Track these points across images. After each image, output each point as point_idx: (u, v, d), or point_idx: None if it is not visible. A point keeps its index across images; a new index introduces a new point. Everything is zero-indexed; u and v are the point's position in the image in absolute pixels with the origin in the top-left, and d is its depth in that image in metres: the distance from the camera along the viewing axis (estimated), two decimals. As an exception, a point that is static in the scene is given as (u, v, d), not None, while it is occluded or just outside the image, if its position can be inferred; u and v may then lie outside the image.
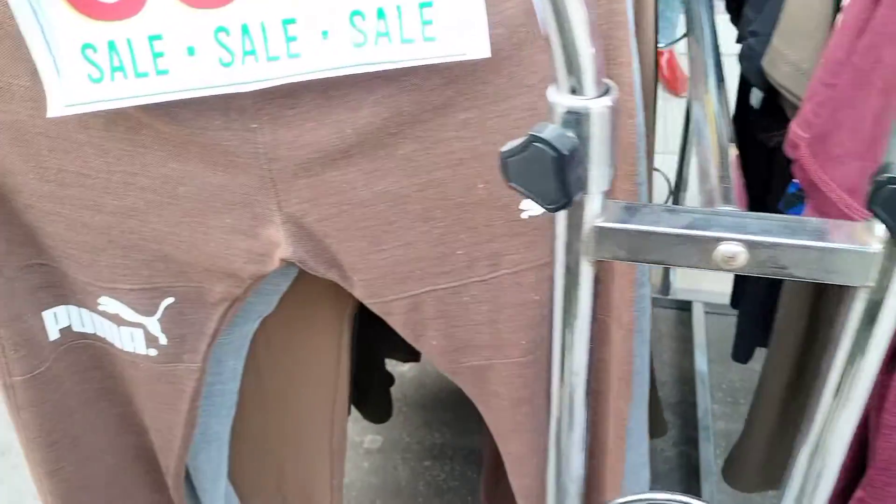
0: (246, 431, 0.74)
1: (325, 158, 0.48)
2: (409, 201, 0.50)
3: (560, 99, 0.31)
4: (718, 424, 1.33)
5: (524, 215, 0.50)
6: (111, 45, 0.44)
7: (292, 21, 0.43)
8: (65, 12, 0.43)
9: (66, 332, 0.59)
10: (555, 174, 0.30)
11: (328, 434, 0.78)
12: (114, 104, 0.45)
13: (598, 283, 0.57)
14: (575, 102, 0.31)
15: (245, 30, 0.43)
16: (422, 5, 0.42)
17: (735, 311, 0.85)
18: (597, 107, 0.31)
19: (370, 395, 1.12)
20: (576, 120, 0.31)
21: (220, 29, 0.43)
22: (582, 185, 0.32)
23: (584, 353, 0.39)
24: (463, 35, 0.42)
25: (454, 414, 1.38)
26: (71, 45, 0.44)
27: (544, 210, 0.32)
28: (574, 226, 0.35)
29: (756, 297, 0.77)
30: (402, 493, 1.24)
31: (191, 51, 0.44)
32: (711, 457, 1.26)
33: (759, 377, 0.80)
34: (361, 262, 0.53)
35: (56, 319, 0.58)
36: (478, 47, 0.42)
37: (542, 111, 0.46)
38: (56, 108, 0.45)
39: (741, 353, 0.82)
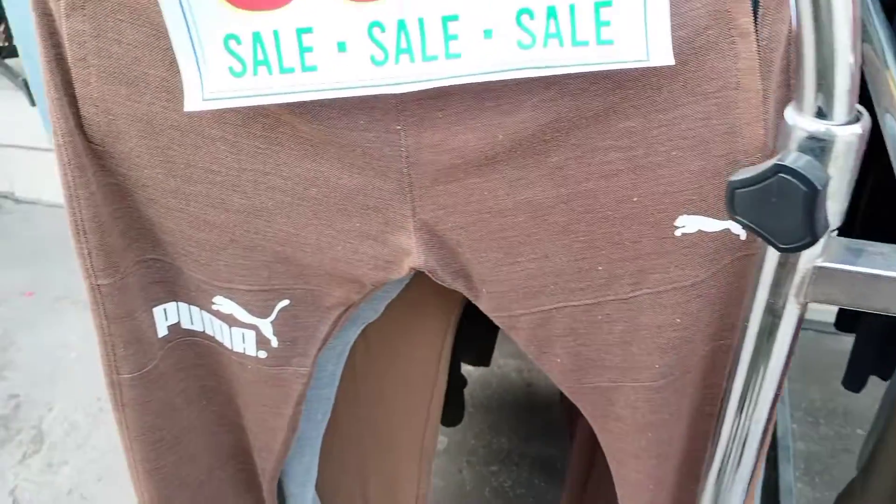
0: (335, 437, 0.72)
1: (468, 164, 0.45)
2: (552, 213, 0.47)
3: (801, 121, 0.27)
4: (798, 445, 1.28)
5: (678, 233, 0.47)
6: (256, 37, 0.41)
7: (454, 18, 0.40)
8: (210, 1, 0.41)
9: (175, 328, 0.57)
10: (804, 211, 0.26)
11: (419, 444, 0.76)
12: (256, 100, 0.42)
13: (739, 305, 0.53)
14: (820, 127, 0.27)
15: (402, 26, 0.40)
16: (598, 4, 0.38)
17: (815, 328, 0.80)
18: (845, 135, 0.27)
19: (445, 398, 1.09)
20: (820, 148, 0.27)
21: (375, 24, 0.40)
22: (826, 224, 0.28)
23: (770, 402, 0.35)
24: (643, 39, 0.38)
25: (520, 419, 1.35)
26: (214, 36, 0.41)
27: (780, 248, 0.28)
28: (787, 264, 0.31)
29: (877, 323, 0.73)
30: (468, 497, 1.22)
31: (341, 46, 0.41)
32: (791, 477, 1.21)
33: (879, 415, 0.75)
34: (493, 274, 0.50)
35: (166, 316, 0.56)
36: (660, 53, 0.38)
37: (716, 124, 0.43)
38: (194, 101, 0.42)
39: (853, 381, 0.77)
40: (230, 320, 0.55)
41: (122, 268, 0.52)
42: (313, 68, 0.41)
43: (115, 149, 0.47)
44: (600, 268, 0.49)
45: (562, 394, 0.98)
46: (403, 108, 0.44)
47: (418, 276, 0.57)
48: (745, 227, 0.28)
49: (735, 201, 0.27)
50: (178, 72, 0.42)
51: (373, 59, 0.41)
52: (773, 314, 0.33)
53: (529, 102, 0.43)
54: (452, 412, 1.15)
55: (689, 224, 0.47)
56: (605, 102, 0.43)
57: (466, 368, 1.41)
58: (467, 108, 0.43)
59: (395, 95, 0.43)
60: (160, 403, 0.58)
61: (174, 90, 0.45)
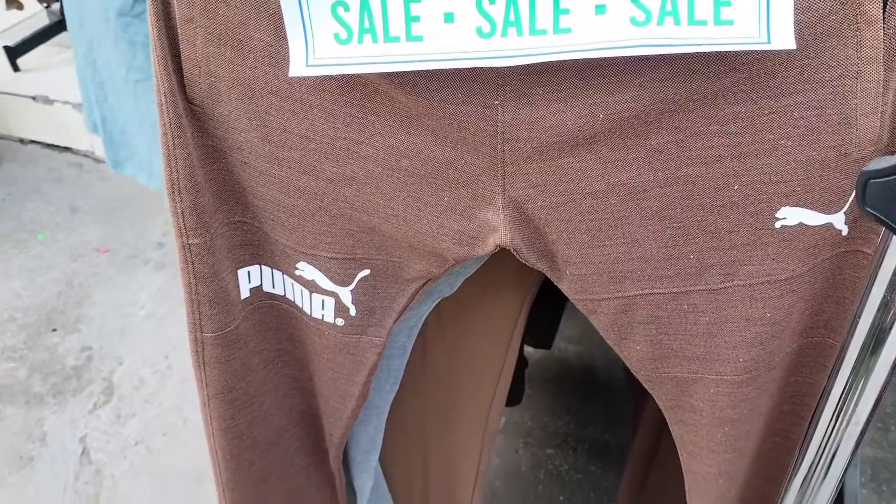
0: (400, 409, 0.73)
1: (564, 143, 0.44)
2: (646, 197, 0.46)
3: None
4: (865, 450, 1.24)
5: (778, 224, 0.45)
6: (364, 5, 0.41)
7: (565, -9, 0.39)
8: (319, -34, 0.41)
9: (256, 291, 0.58)
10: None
11: (483, 421, 0.76)
12: (359, 68, 0.42)
13: (833, 303, 0.51)
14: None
15: (511, -3, 0.39)
16: (717, -17, 0.37)
17: None
18: None
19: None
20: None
21: (483, -5, 0.40)
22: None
23: (874, 402, 0.34)
24: (764, 21, 0.37)
25: (579, 404, 1.34)
26: (322, 2, 0.41)
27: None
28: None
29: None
30: (523, 478, 1.22)
31: (448, 17, 0.40)
32: (857, 483, 1.17)
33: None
34: (579, 257, 0.49)
35: (249, 278, 0.57)
36: (782, 37, 0.37)
37: (830, 113, 0.41)
38: (299, 67, 0.42)
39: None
40: (311, 286, 0.56)
41: (212, 229, 0.53)
42: (418, 38, 0.41)
43: (215, 111, 0.48)
44: (692, 256, 0.48)
45: (629, 381, 0.97)
46: (504, 82, 0.43)
47: (497, 255, 0.57)
48: (876, 219, 0.27)
49: (867, 192, 0.26)
50: (283, 37, 0.43)
51: (479, 31, 0.40)
52: (887, 311, 0.31)
53: (636, 82, 0.42)
54: (513, 392, 1.15)
55: (790, 216, 0.45)
56: (716, 86, 0.41)
57: (527, 350, 1.41)
58: (570, 85, 0.42)
59: (495, 69, 0.43)
60: (239, 363, 0.60)
61: (277, 55, 0.45)
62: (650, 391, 0.56)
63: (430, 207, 0.49)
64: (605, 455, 1.25)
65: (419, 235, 0.51)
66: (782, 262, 0.47)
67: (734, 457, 0.58)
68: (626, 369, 0.98)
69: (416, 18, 0.41)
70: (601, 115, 0.43)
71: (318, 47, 0.42)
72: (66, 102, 2.08)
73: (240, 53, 0.45)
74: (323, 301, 0.57)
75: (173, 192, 0.50)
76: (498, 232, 0.48)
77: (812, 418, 0.51)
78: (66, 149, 2.15)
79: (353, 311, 0.57)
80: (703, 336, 0.51)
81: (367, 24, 0.41)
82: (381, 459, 0.77)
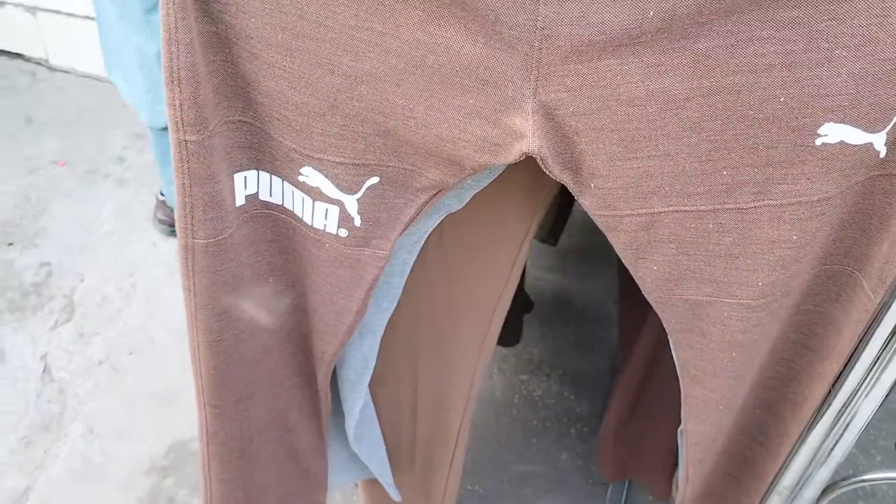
0: (395, 328, 0.71)
1: (607, 43, 0.41)
2: (686, 106, 0.43)
3: None
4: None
5: (818, 141, 0.43)
6: None
7: None
8: None
9: (252, 198, 0.55)
10: None
11: (478, 343, 0.74)
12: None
13: (858, 229, 0.50)
14: None
15: None
16: None
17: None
18: None
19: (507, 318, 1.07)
20: None
21: None
22: None
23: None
24: None
25: (553, 332, 1.34)
26: None
27: None
28: None
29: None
30: (499, 403, 1.22)
31: None
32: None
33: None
34: (606, 169, 0.47)
35: (245, 184, 0.54)
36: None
37: (894, 22, 0.39)
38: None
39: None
40: (315, 193, 0.53)
41: (211, 126, 0.49)
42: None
43: None
44: (725, 172, 0.46)
45: (620, 309, 0.97)
46: (546, -29, 0.40)
47: (508, 173, 0.54)
48: None
49: None
50: None
51: None
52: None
53: None
54: (511, 333, 1.14)
55: (832, 133, 0.43)
56: (775, -15, 0.38)
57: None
58: None
59: (537, -43, 0.39)
60: (229, 275, 0.56)
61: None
62: (660, 313, 0.55)
63: (454, 110, 0.46)
64: (579, 381, 1.26)
65: (438, 141, 0.47)
66: (817, 181, 0.45)
67: (736, 383, 0.58)
68: (620, 300, 0.98)
69: None
70: (651, 13, 0.40)
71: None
72: (17, 5, 1.95)
73: (254, -75, 0.41)
74: (326, 210, 0.54)
75: (171, 82, 0.46)
76: (525, 139, 0.46)
77: (851, 358, 0.50)
78: (18, 55, 2.03)
79: (357, 222, 0.54)
80: (724, 257, 0.50)
81: None
82: (370, 380, 0.75)
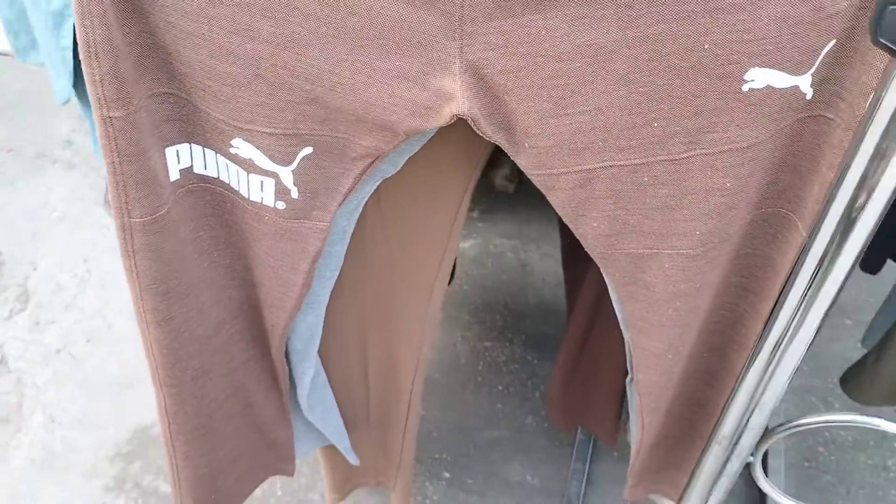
0: (339, 296, 0.70)
1: (537, 3, 0.41)
2: (613, 58, 0.43)
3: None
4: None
5: (745, 87, 0.43)
6: None
7: None
8: None
9: (186, 173, 0.54)
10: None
11: (424, 306, 0.74)
12: None
13: (790, 172, 0.51)
14: None
15: None
16: None
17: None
18: None
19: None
20: None
21: None
22: None
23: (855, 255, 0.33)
24: None
25: (514, 297, 1.35)
26: None
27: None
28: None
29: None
30: (462, 370, 1.23)
31: None
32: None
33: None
34: (538, 127, 0.47)
35: (178, 158, 0.53)
36: None
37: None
38: None
39: (870, 263, 0.77)
40: (248, 166, 0.52)
41: (135, 100, 0.47)
42: None
43: None
44: (655, 124, 0.46)
45: (565, 265, 0.97)
46: (462, -75, 0.39)
47: (442, 132, 0.54)
48: (890, 51, 0.25)
49: (883, 20, 0.24)
50: None
51: None
52: (880, 160, 0.30)
53: None
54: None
55: (758, 78, 0.43)
56: (691, -70, 0.38)
57: (462, 245, 1.40)
58: None
59: (453, -90, 0.39)
60: (171, 252, 0.56)
61: None
62: (603, 269, 0.55)
63: (380, 74, 0.45)
64: (542, 345, 1.27)
65: (367, 106, 0.47)
66: (746, 127, 0.45)
67: (683, 331, 0.58)
68: (562, 254, 0.98)
69: None
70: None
71: None
72: (-51, -12, 1.88)
73: None
74: (262, 182, 0.53)
75: (89, 57, 0.44)
76: (454, 101, 0.45)
77: (777, 302, 0.51)
78: (-45, 41, 1.96)
79: (294, 194, 0.53)
80: (661, 209, 0.50)
81: None
82: (320, 348, 0.75)
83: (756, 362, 0.49)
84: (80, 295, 1.32)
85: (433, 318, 0.76)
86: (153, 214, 0.52)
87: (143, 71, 0.47)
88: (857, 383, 0.70)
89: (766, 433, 0.54)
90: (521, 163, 0.50)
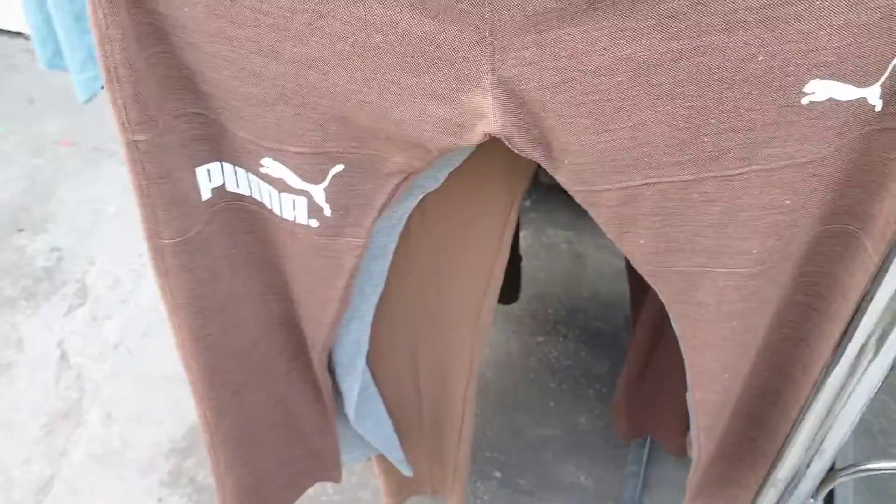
0: (386, 310, 0.69)
1: (565, 10, 0.38)
2: (658, 72, 0.40)
3: None
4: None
5: (805, 101, 0.40)
6: None
7: None
8: None
9: (219, 191, 0.53)
10: None
11: (474, 318, 0.72)
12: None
13: (858, 187, 0.47)
14: None
15: None
16: None
17: None
18: None
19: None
20: None
21: None
22: None
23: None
24: None
25: (568, 291, 1.32)
26: None
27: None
28: None
29: None
30: (515, 366, 1.21)
31: None
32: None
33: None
34: (578, 143, 0.44)
35: (209, 177, 0.52)
36: None
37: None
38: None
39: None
40: (280, 185, 0.50)
41: (161, 122, 0.46)
42: None
43: None
44: (706, 139, 0.42)
45: (629, 271, 0.94)
46: (491, -64, 0.36)
47: (487, 143, 0.51)
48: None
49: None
50: None
51: None
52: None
53: None
54: (509, 290, 1.11)
55: (819, 91, 0.39)
56: (744, -67, 0.34)
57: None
58: None
59: (481, -80, 0.36)
60: (205, 270, 0.55)
61: None
62: (653, 286, 0.52)
63: (409, 91, 0.43)
64: (596, 341, 1.24)
65: (397, 125, 0.44)
66: (807, 143, 0.41)
67: (741, 351, 0.55)
68: (626, 260, 0.95)
69: None
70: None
71: None
72: (11, -15, 1.93)
73: None
74: (294, 201, 0.51)
75: (110, 81, 0.43)
76: (486, 118, 0.43)
77: (845, 333, 0.47)
78: (19, 34, 2.01)
79: (327, 212, 0.52)
80: (713, 227, 0.47)
81: None
82: (368, 360, 0.74)
83: (817, 403, 0.46)
84: (136, 290, 1.34)
85: (485, 330, 0.74)
86: (184, 235, 0.51)
87: (168, 91, 0.46)
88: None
89: (830, 474, 0.50)
90: (562, 179, 0.47)
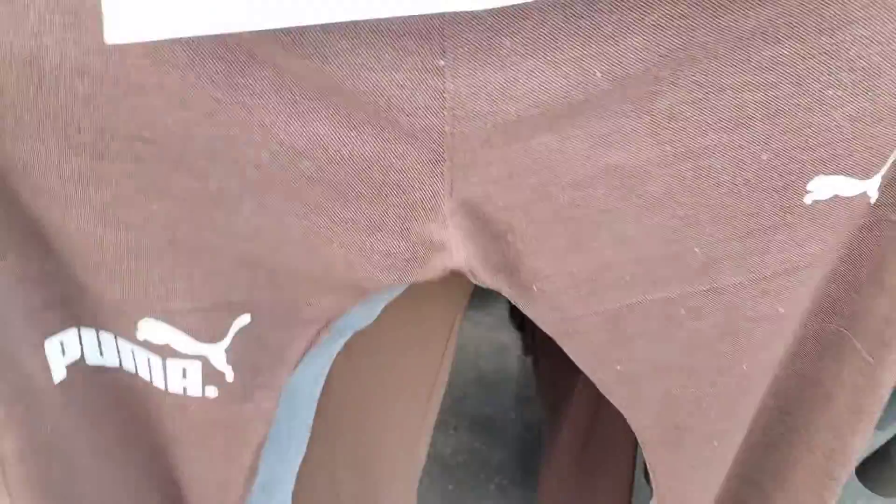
0: (310, 464, 0.57)
1: (541, 115, 0.31)
2: (645, 181, 0.33)
3: None
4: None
5: (808, 199, 0.35)
6: None
7: None
8: None
9: (77, 368, 0.40)
10: None
11: (406, 469, 0.62)
12: (222, 27, 0.25)
13: (842, 283, 0.42)
14: None
15: None
16: None
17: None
18: None
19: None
20: None
21: None
22: None
23: None
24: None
25: (452, 376, 1.23)
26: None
27: None
28: None
29: None
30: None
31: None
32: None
33: None
34: (552, 267, 0.36)
35: (63, 350, 0.39)
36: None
37: (889, 45, 0.30)
38: (117, 30, 0.25)
39: None
40: (165, 351, 0.39)
41: (-4, 290, 0.34)
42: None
43: None
44: (697, 250, 0.36)
45: (535, 365, 0.87)
46: (452, 31, 0.28)
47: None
48: None
49: None
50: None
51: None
52: None
53: (647, 21, 0.28)
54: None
55: (823, 187, 0.34)
56: (755, 20, 0.29)
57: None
58: (551, 30, 0.29)
59: (438, 14, 0.28)
60: (63, 471, 0.41)
61: (79, 13, 0.27)
62: (625, 412, 0.45)
63: (344, 226, 0.33)
64: (489, 428, 1.16)
65: (327, 266, 0.35)
66: (807, 245, 0.37)
67: (720, 468, 0.49)
68: (533, 354, 0.88)
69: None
70: (598, 73, 0.29)
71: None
72: None
73: (15, 17, 0.27)
74: (184, 369, 0.40)
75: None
76: (445, 251, 0.34)
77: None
78: None
79: (229, 376, 0.40)
80: (700, 346, 0.40)
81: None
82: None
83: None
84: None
85: (416, 474, 0.64)
86: (31, 438, 0.38)
87: (8, 247, 0.34)
88: (878, 473, 0.63)
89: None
90: (528, 310, 0.39)
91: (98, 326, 0.39)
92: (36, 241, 0.34)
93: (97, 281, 0.35)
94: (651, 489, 0.53)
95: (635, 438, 0.49)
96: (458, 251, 0.34)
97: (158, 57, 0.27)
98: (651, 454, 0.47)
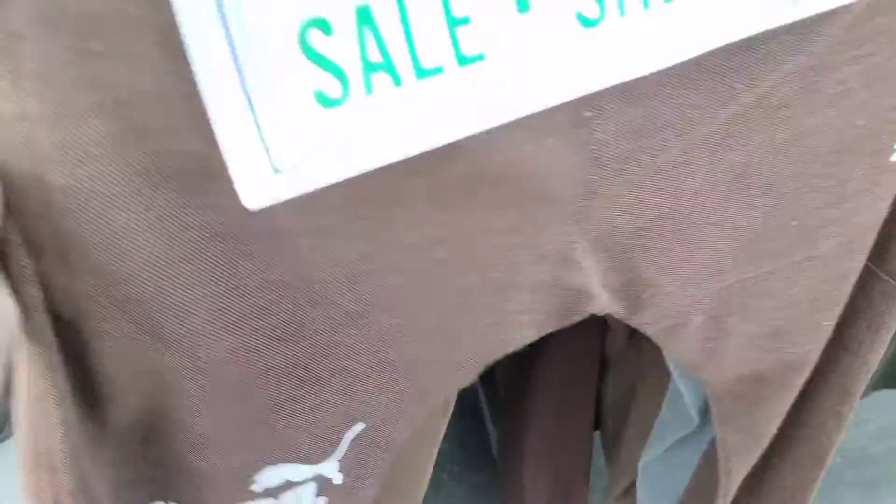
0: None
1: (677, 137, 0.29)
2: (758, 171, 0.33)
3: None
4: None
5: (893, 157, 0.35)
6: (363, 15, 0.20)
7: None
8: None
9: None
10: None
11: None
12: (382, 155, 0.21)
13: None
14: None
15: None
16: None
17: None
18: None
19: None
20: None
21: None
22: None
23: None
24: None
25: (448, 447, 1.15)
26: (284, 36, 0.20)
27: None
28: None
29: None
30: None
31: (522, 4, 0.22)
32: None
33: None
34: (665, 274, 0.35)
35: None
36: None
37: None
38: (254, 192, 0.20)
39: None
40: (282, 488, 0.34)
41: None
42: (477, 58, 0.22)
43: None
44: (794, 223, 0.36)
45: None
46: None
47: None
48: None
49: None
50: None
51: (581, 17, 0.22)
52: None
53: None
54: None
55: (910, 141, 0.35)
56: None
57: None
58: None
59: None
60: None
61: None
62: (714, 398, 0.45)
63: (485, 307, 0.30)
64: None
65: (470, 351, 0.32)
66: (885, 200, 0.38)
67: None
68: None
69: (466, 20, 0.21)
70: (740, 86, 0.28)
71: (287, 135, 0.21)
72: None
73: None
74: (298, 495, 0.36)
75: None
76: (594, 298, 0.32)
77: None
78: None
79: (337, 480, 0.37)
80: (789, 308, 0.41)
81: (375, 56, 0.21)
82: None
83: None
84: None
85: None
86: None
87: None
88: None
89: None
90: (633, 320, 0.37)
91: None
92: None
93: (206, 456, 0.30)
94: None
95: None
96: (602, 295, 0.32)
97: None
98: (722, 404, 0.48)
